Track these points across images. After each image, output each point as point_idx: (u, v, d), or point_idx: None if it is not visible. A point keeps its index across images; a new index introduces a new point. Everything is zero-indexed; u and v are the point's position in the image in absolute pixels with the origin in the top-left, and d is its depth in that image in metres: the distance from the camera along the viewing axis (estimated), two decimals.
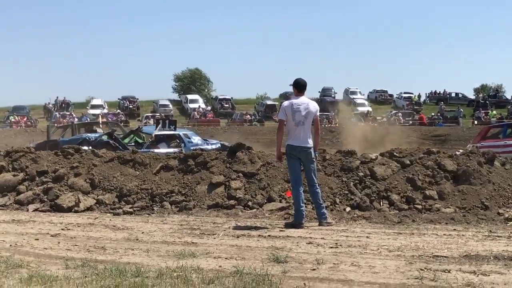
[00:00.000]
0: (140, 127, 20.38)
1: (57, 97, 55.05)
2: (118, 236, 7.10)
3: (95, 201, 9.45)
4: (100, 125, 20.46)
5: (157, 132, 17.29)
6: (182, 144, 17.01)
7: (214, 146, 17.54)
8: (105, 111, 52.24)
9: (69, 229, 7.64)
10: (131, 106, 55.33)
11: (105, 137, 16.12)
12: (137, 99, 58.33)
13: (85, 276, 4.92)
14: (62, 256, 5.90)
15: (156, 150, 15.00)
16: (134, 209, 9.08)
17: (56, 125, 27.13)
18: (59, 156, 10.88)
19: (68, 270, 5.22)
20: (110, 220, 8.37)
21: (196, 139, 18.21)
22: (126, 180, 9.91)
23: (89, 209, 9.22)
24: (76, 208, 9.12)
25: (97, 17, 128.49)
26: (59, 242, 6.70)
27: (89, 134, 17.80)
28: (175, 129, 18.07)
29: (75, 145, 13.20)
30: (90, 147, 13.77)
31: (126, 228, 7.69)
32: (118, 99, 59.02)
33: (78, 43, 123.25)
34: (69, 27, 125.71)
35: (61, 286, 4.64)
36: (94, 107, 53.81)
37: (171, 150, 15.41)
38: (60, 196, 9.38)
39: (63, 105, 53.57)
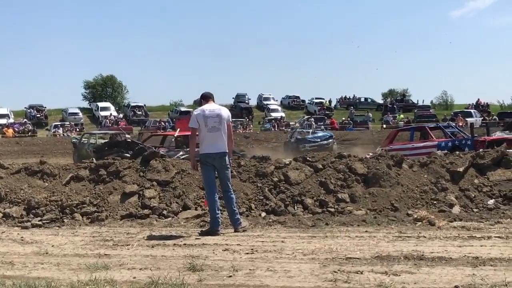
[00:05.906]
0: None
1: None
2: (27, 250, 6.81)
3: (1, 214, 9.02)
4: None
5: None
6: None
7: None
8: (11, 120, 50.21)
9: None
10: (38, 115, 53.67)
11: None
12: (45, 107, 56.68)
13: None
14: None
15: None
16: (43, 221, 8.72)
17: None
18: None
19: None
20: (18, 234, 8.02)
21: None
22: (34, 192, 9.53)
23: None
24: None
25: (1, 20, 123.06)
26: None
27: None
28: None
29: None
30: None
31: (35, 241, 7.39)
32: (25, 108, 57.00)
33: None
34: None
35: None
36: None
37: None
38: None
39: None
